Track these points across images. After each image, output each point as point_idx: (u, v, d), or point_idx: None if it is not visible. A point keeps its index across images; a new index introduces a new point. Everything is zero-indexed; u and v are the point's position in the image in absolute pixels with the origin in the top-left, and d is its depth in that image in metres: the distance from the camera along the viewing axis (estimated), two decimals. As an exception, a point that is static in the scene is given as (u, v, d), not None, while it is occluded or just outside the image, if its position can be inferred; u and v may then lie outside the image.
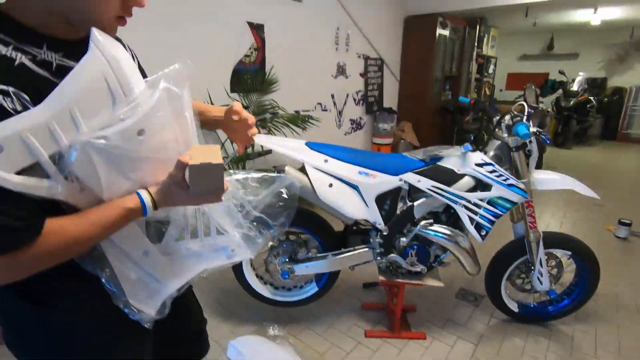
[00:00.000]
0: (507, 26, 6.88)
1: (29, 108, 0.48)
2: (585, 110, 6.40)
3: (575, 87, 6.53)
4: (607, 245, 2.76)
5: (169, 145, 0.62)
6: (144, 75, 0.70)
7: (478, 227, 1.52)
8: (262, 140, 1.50)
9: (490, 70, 6.81)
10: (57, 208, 0.55)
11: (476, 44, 5.76)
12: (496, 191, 1.49)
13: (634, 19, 6.03)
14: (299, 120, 2.74)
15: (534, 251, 1.65)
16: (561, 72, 6.47)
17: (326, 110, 3.76)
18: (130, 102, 0.56)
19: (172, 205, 0.65)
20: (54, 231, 0.52)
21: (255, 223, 0.81)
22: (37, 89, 0.50)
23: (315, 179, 1.48)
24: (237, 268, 1.75)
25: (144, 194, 0.60)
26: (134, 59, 0.72)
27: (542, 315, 1.87)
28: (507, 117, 1.53)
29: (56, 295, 0.64)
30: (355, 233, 1.74)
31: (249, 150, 2.67)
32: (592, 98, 6.39)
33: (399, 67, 4.80)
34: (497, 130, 1.57)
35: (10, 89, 0.47)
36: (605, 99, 7.02)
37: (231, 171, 0.80)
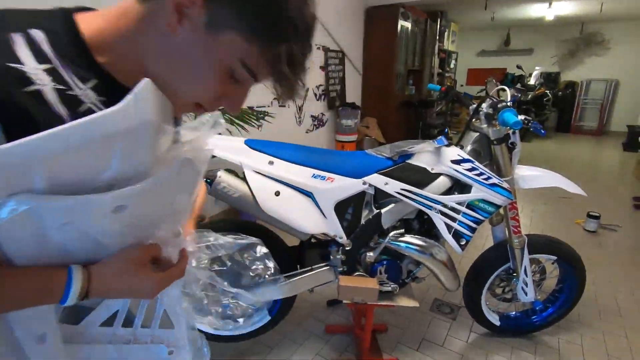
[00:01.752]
0: (467, 21, 6.92)
1: None
2: (542, 103, 6.54)
3: (532, 81, 6.66)
4: (578, 240, 2.67)
5: (147, 223, 0.50)
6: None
7: (456, 235, 1.28)
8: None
9: (452, 65, 6.80)
10: None
11: (437, 38, 5.68)
12: (477, 192, 1.25)
13: (584, 14, 6.22)
14: (252, 117, 2.40)
15: (517, 258, 1.44)
16: (519, 67, 6.58)
17: (284, 106, 3.44)
18: (125, 172, 0.42)
19: (108, 297, 0.54)
20: None
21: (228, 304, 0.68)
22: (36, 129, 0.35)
23: (257, 186, 1.17)
24: (169, 299, 1.40)
25: (77, 275, 0.44)
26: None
27: (525, 326, 1.68)
28: (485, 105, 1.30)
29: None
30: (312, 247, 1.44)
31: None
32: (548, 92, 6.55)
33: (361, 60, 4.58)
34: (474, 120, 1.33)
35: None
36: (560, 93, 7.24)
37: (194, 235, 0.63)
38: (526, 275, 1.46)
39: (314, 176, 1.22)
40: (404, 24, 4.41)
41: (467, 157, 1.26)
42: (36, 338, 0.48)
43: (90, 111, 0.42)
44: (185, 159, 0.49)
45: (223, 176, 1.19)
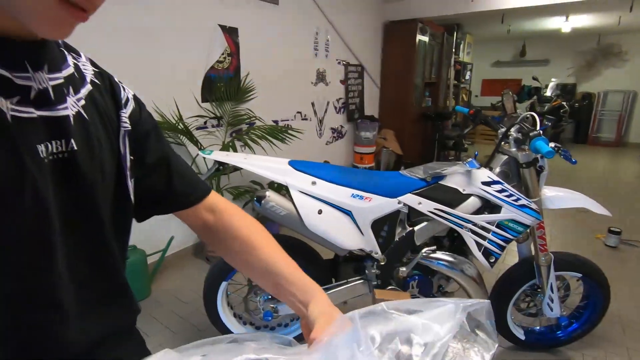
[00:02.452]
0: (482, 33, 6.97)
1: None
2: (558, 115, 6.52)
3: (548, 93, 6.66)
4: (599, 255, 2.69)
5: None
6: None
7: (486, 253, 1.35)
8: (239, 161, 1.27)
9: (467, 77, 6.85)
10: None
11: (454, 50, 5.75)
12: (506, 213, 1.32)
13: (601, 26, 6.22)
14: (278, 133, 2.51)
15: (544, 275, 1.50)
16: (535, 79, 6.58)
17: (306, 119, 3.55)
18: None
19: None
20: None
21: None
22: None
23: (301, 205, 1.26)
24: (211, 307, 1.50)
25: None
26: (106, 98, 0.49)
27: (550, 341, 1.72)
28: (514, 130, 1.37)
29: None
30: (347, 261, 1.53)
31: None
32: (565, 103, 6.53)
33: (379, 73, 4.68)
34: (503, 143, 1.40)
35: None
36: (576, 104, 7.21)
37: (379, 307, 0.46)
38: (552, 292, 1.51)
39: (353, 195, 1.31)
40: (422, 38, 4.51)
41: (496, 178, 1.33)
42: None
43: (19, 120, 0.35)
44: None
45: (272, 196, 1.29)
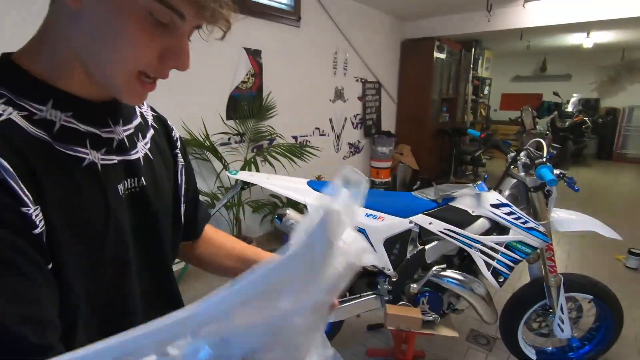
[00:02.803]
0: (501, 48, 6.98)
1: (6, 178, 0.35)
2: (580, 130, 6.43)
3: (570, 108, 6.58)
4: (619, 277, 2.65)
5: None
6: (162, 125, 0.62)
7: (495, 272, 1.40)
8: (262, 181, 1.38)
9: (486, 92, 6.85)
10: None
11: (472, 66, 5.79)
12: (514, 235, 1.38)
13: (625, 41, 6.13)
14: (297, 150, 2.63)
15: (554, 296, 1.53)
16: (555, 94, 6.53)
17: (324, 134, 3.68)
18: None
19: None
20: None
21: None
22: (29, 155, 0.38)
23: (319, 223, 1.36)
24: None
25: None
26: (163, 140, 0.60)
27: (562, 362, 1.73)
28: (523, 155, 1.44)
29: None
30: (361, 276, 1.61)
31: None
32: (587, 119, 6.43)
33: (396, 90, 4.77)
34: (512, 167, 1.47)
35: None
36: (600, 120, 7.07)
37: None
38: (562, 313, 1.54)
39: (367, 215, 1.40)
40: (439, 56, 4.59)
41: (505, 201, 1.40)
42: None
43: (65, 130, 0.42)
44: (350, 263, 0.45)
45: (291, 214, 1.39)
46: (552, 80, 7.71)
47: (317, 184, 1.43)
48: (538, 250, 1.52)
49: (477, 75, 6.20)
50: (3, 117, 0.38)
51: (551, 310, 1.59)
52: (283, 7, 3.02)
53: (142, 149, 0.53)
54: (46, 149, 0.40)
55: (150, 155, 0.54)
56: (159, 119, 0.62)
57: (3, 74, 0.41)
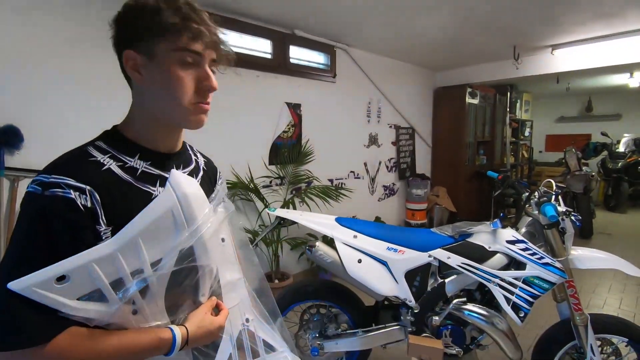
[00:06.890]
0: (540, 91, 6.96)
1: (96, 207, 0.56)
2: (636, 171, 6.05)
3: (621, 149, 6.26)
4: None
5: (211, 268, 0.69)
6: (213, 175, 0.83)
7: (515, 307, 1.46)
8: (296, 217, 1.60)
9: (527, 133, 6.77)
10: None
11: (508, 109, 5.83)
12: (531, 270, 1.44)
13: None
14: (332, 192, 2.86)
15: (582, 336, 1.52)
16: (604, 134, 6.29)
17: (359, 177, 3.89)
18: (191, 230, 0.63)
19: (197, 344, 0.66)
20: (80, 335, 0.54)
21: None
22: (117, 191, 0.59)
23: (344, 254, 1.53)
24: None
25: (177, 331, 0.62)
26: (210, 178, 0.80)
27: (603, 411, 1.64)
28: (537, 194, 1.54)
29: None
30: (386, 308, 1.71)
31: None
32: (641, 159, 6.06)
33: (430, 134, 4.94)
34: (527, 206, 1.56)
35: (87, 188, 0.55)
36: (657, 160, 6.60)
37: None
38: (594, 354, 1.52)
39: (389, 248, 1.55)
40: (472, 101, 4.74)
41: (520, 238, 1.48)
42: None
43: (144, 173, 0.64)
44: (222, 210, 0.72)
45: (320, 246, 1.58)
46: (600, 120, 7.44)
47: (344, 220, 1.62)
48: (561, 286, 1.55)
49: (515, 118, 6.20)
50: (106, 167, 0.60)
51: (584, 354, 1.57)
52: (320, 66, 3.42)
53: None
54: (128, 186, 0.61)
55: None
56: (209, 164, 0.84)
57: (111, 139, 0.64)
